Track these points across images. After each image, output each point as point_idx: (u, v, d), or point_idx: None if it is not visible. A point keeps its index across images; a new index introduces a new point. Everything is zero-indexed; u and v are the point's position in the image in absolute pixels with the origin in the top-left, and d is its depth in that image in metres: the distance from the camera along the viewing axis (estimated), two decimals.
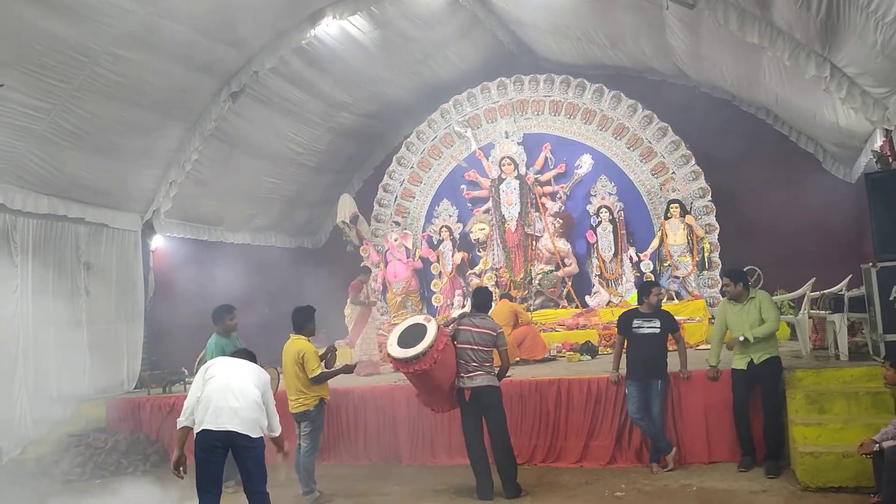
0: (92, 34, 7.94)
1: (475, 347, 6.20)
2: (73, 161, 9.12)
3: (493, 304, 7.05)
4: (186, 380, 9.60)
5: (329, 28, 9.83)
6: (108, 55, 8.29)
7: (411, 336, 6.15)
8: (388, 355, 6.27)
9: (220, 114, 10.21)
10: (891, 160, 7.29)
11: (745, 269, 8.30)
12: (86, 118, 8.77)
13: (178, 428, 5.00)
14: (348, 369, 6.73)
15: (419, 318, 6.42)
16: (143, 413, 9.09)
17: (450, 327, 6.44)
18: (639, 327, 6.79)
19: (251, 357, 5.44)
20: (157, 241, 11.18)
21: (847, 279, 7.91)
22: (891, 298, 6.49)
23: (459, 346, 6.25)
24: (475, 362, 6.19)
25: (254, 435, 4.91)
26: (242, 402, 4.90)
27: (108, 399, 9.53)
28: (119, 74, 8.60)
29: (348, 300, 10.12)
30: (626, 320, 6.93)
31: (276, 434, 5.19)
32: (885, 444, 4.99)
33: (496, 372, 6.34)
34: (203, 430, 4.83)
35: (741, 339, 6.48)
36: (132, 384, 10.29)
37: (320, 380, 6.41)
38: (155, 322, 10.89)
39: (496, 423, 6.23)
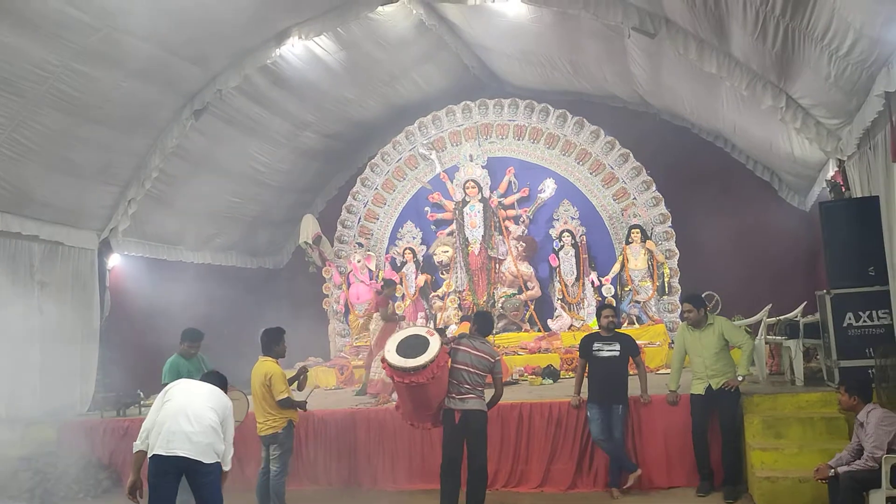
0: (52, 49, 7.80)
1: (471, 370, 6.12)
2: (28, 177, 8.90)
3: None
4: (142, 402, 9.40)
5: (294, 48, 9.78)
6: (69, 70, 8.14)
7: (411, 346, 5.99)
8: (385, 361, 6.08)
9: (183, 132, 10.07)
10: (844, 189, 7.48)
11: (703, 295, 8.44)
12: (43, 133, 8.59)
13: (133, 452, 4.88)
14: (302, 406, 6.59)
15: (421, 330, 6.29)
16: (96, 437, 8.82)
17: (447, 346, 6.36)
18: (598, 350, 6.86)
19: (221, 381, 5.32)
20: (115, 260, 10.93)
21: (802, 306, 8.09)
22: (844, 325, 6.63)
23: (455, 366, 6.16)
24: (468, 384, 6.10)
25: (207, 461, 4.79)
26: (196, 427, 4.79)
27: (60, 422, 9.25)
28: (79, 90, 8.45)
29: (375, 315, 9.79)
30: (586, 343, 7.01)
31: (226, 470, 5.05)
32: (840, 470, 5.08)
33: (486, 397, 6.25)
34: (155, 455, 4.72)
35: (739, 377, 6.59)
36: (85, 407, 9.99)
37: (285, 405, 6.32)
38: (110, 343, 10.61)
39: (478, 447, 6.14)
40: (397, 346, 6.06)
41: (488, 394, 6.27)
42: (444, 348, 6.10)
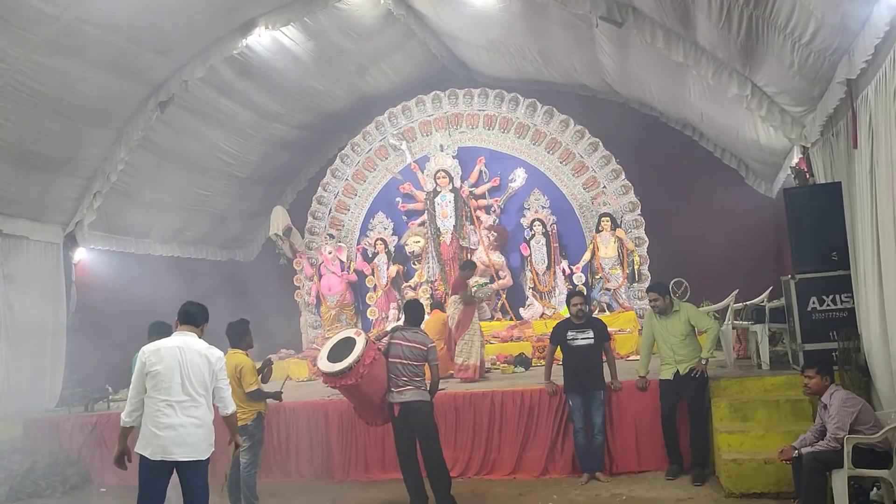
0: (12, 40, 7.63)
1: (405, 362, 6.17)
2: None
3: (425, 316, 7.00)
4: (110, 398, 9.29)
5: (261, 38, 9.68)
6: (30, 62, 7.98)
7: (341, 350, 6.10)
8: (318, 369, 6.20)
9: (148, 123, 9.92)
10: (808, 176, 7.59)
11: (672, 282, 8.48)
12: (4, 126, 8.43)
13: (122, 426, 4.74)
14: (277, 396, 6.60)
15: (350, 332, 6.37)
16: (63, 432, 8.72)
17: (382, 341, 6.41)
18: (573, 339, 6.90)
19: (201, 314, 5.11)
20: (81, 254, 10.78)
21: (768, 291, 8.21)
22: (809, 309, 6.74)
23: (390, 360, 6.21)
24: (405, 377, 6.16)
25: (203, 458, 4.74)
26: (192, 429, 4.67)
27: (26, 418, 9.12)
28: (41, 82, 8.28)
29: (457, 298, 9.16)
30: (560, 331, 7.04)
31: (230, 412, 4.98)
32: (804, 451, 5.17)
33: (427, 387, 6.31)
34: (151, 460, 4.61)
35: (703, 361, 6.67)
36: (53, 402, 9.85)
37: (254, 397, 6.29)
38: (78, 338, 10.44)
39: (427, 438, 6.20)
40: (328, 353, 6.16)
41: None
42: (371, 346, 6.17)
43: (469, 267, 9.43)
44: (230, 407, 4.98)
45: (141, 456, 4.66)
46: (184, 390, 4.71)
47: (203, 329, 5.13)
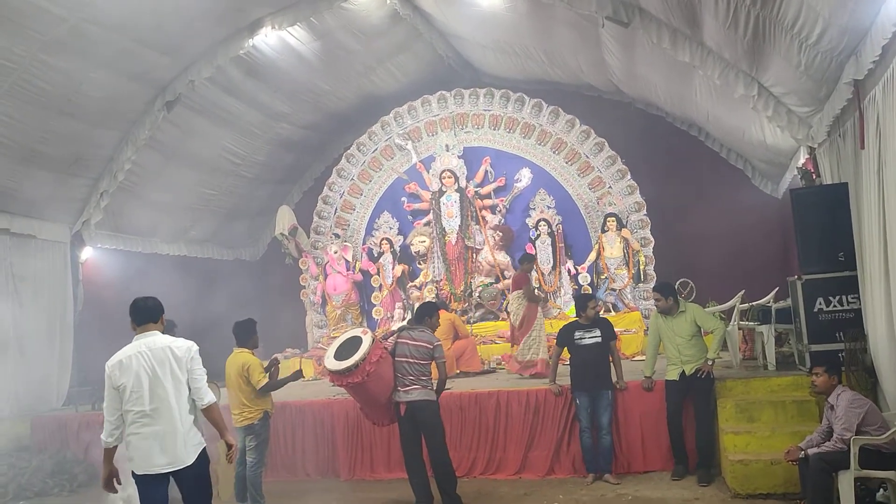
0: (20, 41, 7.69)
1: (412, 361, 6.18)
2: None
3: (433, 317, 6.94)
4: None
5: (268, 38, 9.70)
6: (37, 62, 8.04)
7: (348, 349, 6.11)
8: (325, 368, 6.23)
9: (155, 123, 9.97)
10: (814, 177, 7.57)
11: (678, 282, 8.45)
12: (12, 126, 8.49)
13: (105, 447, 4.51)
14: (297, 376, 6.64)
15: (357, 331, 6.40)
16: (70, 431, 8.78)
17: (389, 340, 6.43)
18: (581, 338, 6.89)
19: (157, 308, 4.66)
20: (87, 253, 10.83)
21: (774, 291, 8.19)
22: (815, 310, 6.73)
23: (397, 359, 6.23)
24: (411, 376, 6.17)
25: (188, 463, 4.56)
26: (178, 438, 4.48)
27: (34, 416, 9.17)
28: (48, 82, 8.34)
29: (519, 293, 8.84)
30: (567, 332, 7.03)
31: (205, 403, 4.58)
32: (810, 452, 5.17)
33: (434, 386, 6.32)
34: (141, 475, 4.48)
35: (709, 362, 6.65)
36: (60, 401, 9.91)
37: (267, 390, 6.32)
38: (85, 337, 10.51)
39: (433, 437, 6.21)
40: (335, 351, 6.18)
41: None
42: (378, 344, 6.18)
43: (528, 259, 9.12)
44: (206, 397, 4.59)
45: (133, 476, 4.54)
46: (155, 398, 4.44)
47: (163, 321, 4.68)
